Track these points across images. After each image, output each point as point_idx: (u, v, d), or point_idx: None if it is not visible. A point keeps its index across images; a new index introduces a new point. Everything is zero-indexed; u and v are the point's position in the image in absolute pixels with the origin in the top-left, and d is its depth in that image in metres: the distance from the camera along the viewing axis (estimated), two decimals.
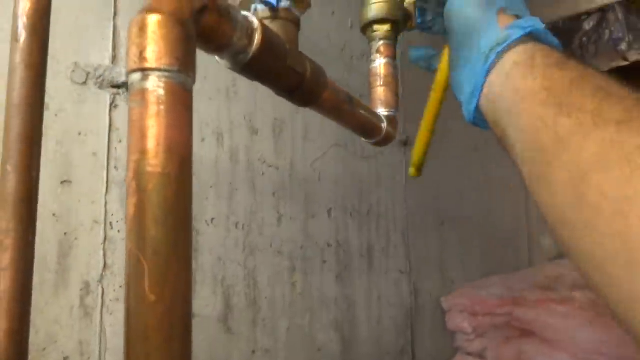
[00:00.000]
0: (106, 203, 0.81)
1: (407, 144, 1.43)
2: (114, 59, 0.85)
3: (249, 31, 0.30)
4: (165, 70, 0.24)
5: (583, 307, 1.19)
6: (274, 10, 0.34)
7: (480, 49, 0.36)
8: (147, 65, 0.24)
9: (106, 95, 0.83)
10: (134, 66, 0.25)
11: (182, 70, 0.25)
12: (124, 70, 0.84)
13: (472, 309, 1.36)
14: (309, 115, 1.16)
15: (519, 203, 1.94)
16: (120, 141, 0.84)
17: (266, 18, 0.34)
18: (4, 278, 0.43)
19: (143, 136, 0.24)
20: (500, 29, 0.35)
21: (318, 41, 1.23)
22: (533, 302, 1.29)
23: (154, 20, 0.24)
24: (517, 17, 0.37)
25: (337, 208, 1.21)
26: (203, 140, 0.97)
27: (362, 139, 0.54)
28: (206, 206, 0.95)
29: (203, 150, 0.96)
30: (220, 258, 0.96)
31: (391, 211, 1.36)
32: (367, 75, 0.58)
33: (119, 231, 0.82)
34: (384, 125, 0.52)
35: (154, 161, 0.24)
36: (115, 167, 0.83)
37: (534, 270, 1.63)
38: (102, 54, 0.83)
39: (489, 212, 1.76)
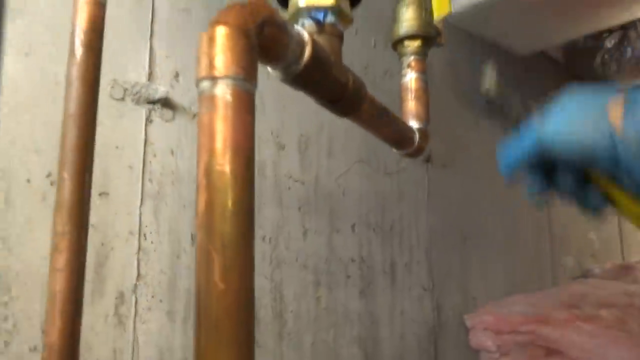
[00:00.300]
0: (140, 214, 0.84)
1: (429, 160, 1.44)
2: (150, 76, 0.88)
3: (301, 44, 0.33)
4: (232, 78, 0.26)
5: (610, 325, 1.17)
6: (320, 25, 0.37)
7: None
8: (216, 73, 0.26)
9: (142, 111, 0.86)
10: (204, 74, 0.27)
11: (247, 79, 0.27)
12: (159, 87, 0.87)
13: (496, 327, 1.35)
14: (334, 131, 1.19)
15: (541, 222, 1.92)
16: (155, 155, 0.87)
17: (313, 32, 0.37)
18: (60, 279, 0.45)
19: (212, 138, 0.26)
20: None
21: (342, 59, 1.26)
22: (558, 320, 1.28)
23: (222, 33, 0.27)
24: None
25: (361, 223, 1.22)
26: None
27: (394, 150, 0.55)
28: None
29: None
30: None
31: (414, 227, 1.37)
32: (393, 95, 0.60)
33: (152, 242, 0.84)
34: (416, 137, 0.54)
35: (222, 160, 0.26)
36: (149, 180, 0.86)
37: (558, 289, 1.61)
38: (138, 72, 0.87)
39: (511, 230, 1.75)
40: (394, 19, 0.59)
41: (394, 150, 0.53)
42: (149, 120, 0.87)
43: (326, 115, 0.58)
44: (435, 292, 1.40)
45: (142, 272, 0.82)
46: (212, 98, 0.26)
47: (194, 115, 0.95)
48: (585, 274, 1.98)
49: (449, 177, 1.52)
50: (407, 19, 0.57)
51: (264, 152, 1.05)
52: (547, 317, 1.32)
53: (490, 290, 1.58)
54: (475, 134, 1.65)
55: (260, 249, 1.01)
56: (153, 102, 0.87)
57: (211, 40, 0.27)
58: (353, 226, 1.21)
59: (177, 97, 0.92)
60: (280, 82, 1.05)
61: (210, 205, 0.25)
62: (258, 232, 1.01)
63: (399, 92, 0.62)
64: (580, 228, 2.16)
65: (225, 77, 0.26)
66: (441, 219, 1.46)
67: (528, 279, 1.77)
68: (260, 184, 1.03)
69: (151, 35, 0.91)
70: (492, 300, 1.52)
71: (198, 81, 0.27)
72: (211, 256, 0.25)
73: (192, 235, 0.91)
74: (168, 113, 0.90)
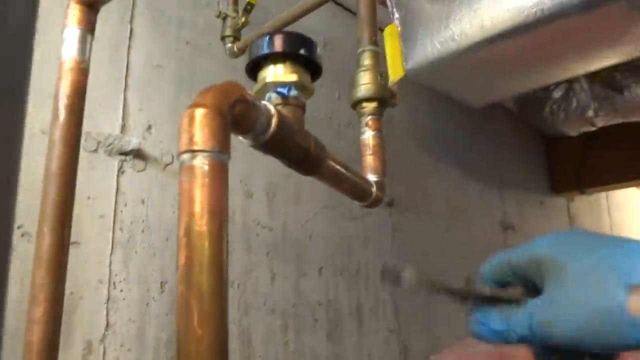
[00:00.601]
0: (110, 263, 0.85)
1: (392, 204, 1.51)
2: (123, 128, 0.92)
3: (268, 117, 0.38)
4: (209, 151, 0.31)
5: None
6: (285, 98, 0.42)
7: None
8: (195, 147, 0.31)
9: (114, 162, 0.89)
10: (184, 148, 0.31)
11: (222, 151, 0.31)
12: (132, 139, 0.91)
13: None
14: (300, 179, 1.24)
15: None
16: (126, 204, 0.90)
17: (278, 104, 0.42)
18: (37, 331, 0.47)
19: (191, 202, 0.30)
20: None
21: (308, 110, 1.32)
22: (519, 357, 1.32)
23: (200, 113, 0.32)
24: None
25: (328, 267, 1.26)
26: None
27: (355, 201, 0.60)
28: None
29: None
30: None
31: (378, 270, 1.41)
32: (357, 143, 0.66)
33: (121, 290, 0.86)
34: (374, 189, 0.59)
35: (201, 222, 0.30)
36: (120, 229, 0.88)
37: None
38: (112, 124, 0.91)
39: (471, 272, 1.81)
40: (352, 83, 0.65)
41: (355, 202, 0.58)
42: (121, 171, 0.90)
43: None
44: (402, 334, 1.43)
45: (111, 320, 0.83)
46: (191, 168, 0.31)
47: (165, 166, 0.98)
48: None
49: (411, 220, 1.58)
50: (364, 83, 0.63)
51: (232, 200, 1.08)
52: (509, 354, 1.37)
53: (453, 329, 1.62)
54: (435, 179, 1.73)
55: (230, 294, 1.02)
56: (125, 153, 0.90)
57: (191, 119, 0.32)
58: (320, 270, 1.24)
59: (149, 148, 0.96)
60: None
61: (190, 260, 0.29)
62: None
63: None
64: None
65: (203, 150, 0.31)
66: (405, 262, 1.51)
67: None
68: (230, 230, 1.06)
69: (125, 89, 0.95)
70: (456, 340, 1.56)
71: (179, 154, 0.31)
72: (190, 305, 0.28)
73: (161, 282, 0.93)
74: (140, 164, 0.94)
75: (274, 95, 0.42)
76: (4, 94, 0.77)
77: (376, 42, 0.68)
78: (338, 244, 1.31)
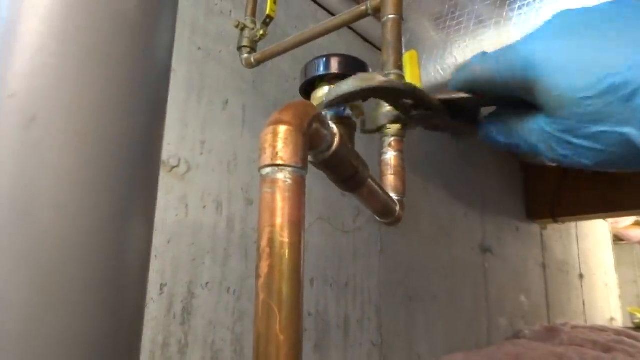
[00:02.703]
0: None
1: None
2: None
3: (332, 136, 0.40)
4: (293, 167, 0.33)
5: None
6: (340, 117, 0.44)
7: None
8: (280, 162, 0.33)
9: None
10: (269, 162, 0.33)
11: (303, 167, 0.34)
12: None
13: None
14: None
15: (478, 286, 2.05)
16: None
17: (335, 123, 0.44)
18: None
19: (273, 214, 0.32)
20: None
21: None
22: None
23: (284, 130, 0.34)
24: None
25: (319, 278, 1.28)
26: (204, 207, 1.03)
27: (378, 219, 0.63)
28: (202, 270, 1.00)
29: (204, 218, 1.03)
30: (211, 322, 1.00)
31: (366, 284, 1.43)
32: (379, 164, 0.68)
33: None
34: (397, 208, 0.62)
35: (283, 233, 0.32)
36: None
37: (494, 349, 1.71)
38: None
39: (452, 291, 1.86)
40: (374, 107, 0.68)
41: (378, 219, 0.60)
42: None
43: None
44: (384, 348, 1.46)
45: None
46: (275, 181, 0.33)
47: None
48: (517, 335, 2.12)
49: (399, 237, 1.61)
50: (388, 106, 0.66)
51: (234, 207, 1.09)
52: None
53: (433, 347, 1.65)
54: (423, 199, 1.78)
55: (225, 300, 1.03)
56: None
57: (275, 135, 0.34)
58: (311, 280, 1.26)
59: None
60: (254, 139, 1.11)
61: (272, 269, 0.31)
62: (223, 284, 1.04)
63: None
64: (513, 291, 2.31)
65: (288, 165, 0.33)
66: (391, 277, 1.54)
67: (467, 338, 1.87)
68: (228, 237, 1.07)
69: None
70: (434, 357, 1.59)
71: (262, 167, 0.33)
72: (273, 312, 0.30)
73: (161, 284, 0.93)
74: None
75: (329, 114, 0.44)
76: None
77: (401, 66, 0.71)
78: (329, 256, 1.33)
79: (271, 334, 0.30)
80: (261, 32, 0.95)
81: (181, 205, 0.99)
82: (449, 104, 0.37)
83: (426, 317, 1.68)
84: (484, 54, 0.33)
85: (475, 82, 0.34)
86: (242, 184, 1.13)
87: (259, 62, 0.94)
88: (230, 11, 1.19)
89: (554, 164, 2.39)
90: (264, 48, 0.94)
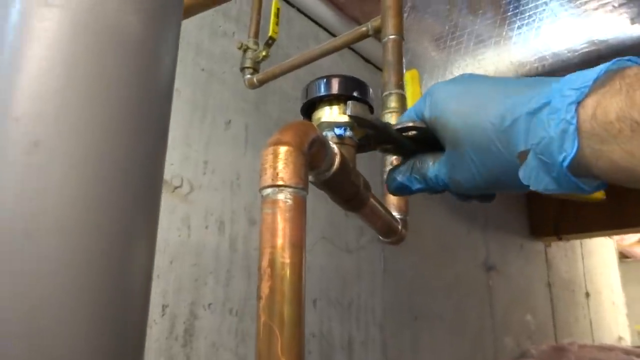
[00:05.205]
0: None
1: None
2: None
3: (332, 156, 0.40)
4: (293, 187, 0.33)
5: None
6: (341, 137, 0.45)
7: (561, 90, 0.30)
8: (280, 183, 0.33)
9: None
10: (270, 183, 0.33)
11: (304, 187, 0.34)
12: None
13: None
14: None
15: (483, 304, 2.03)
16: None
17: (336, 143, 0.44)
18: None
19: (274, 235, 0.32)
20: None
21: None
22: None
23: (284, 150, 0.34)
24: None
25: (322, 298, 1.27)
26: (207, 227, 1.03)
27: (381, 238, 0.62)
28: (205, 291, 0.99)
29: (206, 238, 1.03)
30: (214, 344, 0.99)
31: (370, 304, 1.42)
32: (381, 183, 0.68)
33: None
34: (400, 227, 0.61)
35: (284, 254, 0.32)
36: None
37: None
38: None
39: (458, 310, 1.84)
40: None
41: (381, 238, 0.60)
42: None
43: None
44: None
45: None
46: (275, 202, 0.33)
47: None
48: (524, 355, 2.08)
49: (402, 256, 1.61)
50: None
51: (236, 227, 1.09)
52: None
53: None
54: (426, 217, 1.77)
55: (228, 321, 1.02)
56: None
57: (275, 156, 0.34)
58: (314, 301, 1.25)
59: None
60: (256, 159, 1.12)
61: (273, 290, 0.31)
62: (226, 305, 1.03)
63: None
64: (518, 310, 2.29)
65: (288, 186, 0.33)
66: (395, 297, 1.53)
67: (473, 358, 1.84)
68: (231, 257, 1.06)
69: None
70: None
71: (263, 187, 0.33)
72: (274, 333, 0.30)
73: (162, 306, 0.92)
74: None
75: (329, 134, 0.45)
76: None
77: (402, 86, 0.72)
78: (333, 276, 1.32)
79: (273, 356, 0.30)
80: (263, 53, 0.96)
81: (184, 226, 0.99)
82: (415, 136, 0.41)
83: (431, 337, 1.65)
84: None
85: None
86: (245, 203, 1.13)
87: (261, 83, 0.95)
88: (234, 33, 1.20)
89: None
90: (266, 69, 0.95)
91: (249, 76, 0.96)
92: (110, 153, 0.19)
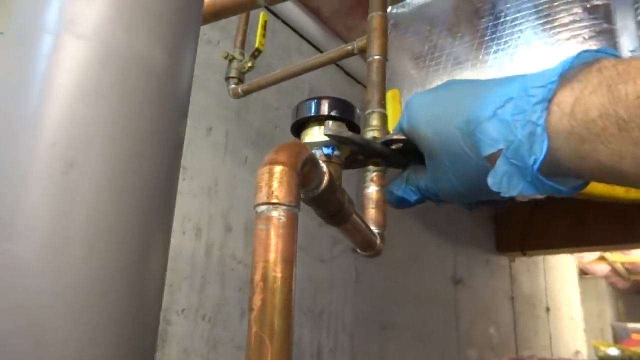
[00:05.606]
0: None
1: (357, 250, 1.55)
2: None
3: (321, 174, 0.42)
4: (287, 205, 0.35)
5: None
6: (329, 156, 0.47)
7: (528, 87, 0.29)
8: (275, 200, 0.35)
9: None
10: (264, 200, 0.35)
11: (297, 205, 0.36)
12: None
13: None
14: None
15: (450, 317, 2.08)
16: None
17: (323, 162, 0.47)
18: None
19: (267, 250, 0.34)
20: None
21: None
22: None
23: (279, 170, 0.36)
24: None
25: (295, 307, 1.28)
26: (184, 233, 1.04)
27: (359, 251, 0.65)
28: (179, 297, 1.00)
29: (183, 243, 1.03)
30: (186, 349, 0.99)
31: (341, 313, 1.44)
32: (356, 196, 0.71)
33: None
34: (378, 241, 0.64)
35: (276, 268, 0.34)
36: None
37: None
38: None
39: (424, 322, 1.88)
40: None
41: (359, 251, 0.62)
42: None
43: None
44: None
45: None
46: (269, 219, 0.35)
47: None
48: None
49: (374, 267, 1.64)
50: None
51: (213, 233, 1.10)
52: None
53: None
54: (398, 229, 1.81)
55: (200, 327, 1.03)
56: None
57: (271, 175, 0.36)
58: None
59: None
60: (235, 166, 1.13)
61: (265, 302, 0.33)
62: (199, 311, 1.04)
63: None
64: (483, 323, 2.35)
65: (282, 204, 0.35)
66: (365, 307, 1.55)
67: None
68: (206, 264, 1.07)
69: None
70: None
71: (257, 204, 0.35)
72: (265, 344, 0.32)
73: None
74: None
75: (317, 153, 0.47)
76: None
77: (384, 105, 0.75)
78: (306, 285, 1.33)
79: None
80: (249, 64, 0.98)
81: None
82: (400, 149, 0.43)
83: (398, 347, 1.69)
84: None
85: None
86: (222, 210, 1.14)
87: (246, 93, 0.96)
88: (219, 41, 1.21)
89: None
90: (250, 79, 0.96)
91: (233, 86, 0.97)
92: (134, 173, 0.21)
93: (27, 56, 0.21)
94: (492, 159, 0.30)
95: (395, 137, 0.43)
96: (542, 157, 0.27)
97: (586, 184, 0.31)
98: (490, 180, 0.30)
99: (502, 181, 0.30)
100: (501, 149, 0.29)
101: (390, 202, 0.45)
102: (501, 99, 0.30)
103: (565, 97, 0.27)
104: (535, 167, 0.28)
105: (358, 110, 0.51)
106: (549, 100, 0.27)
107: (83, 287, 0.18)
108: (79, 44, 0.21)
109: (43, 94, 0.20)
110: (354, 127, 0.52)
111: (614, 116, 0.24)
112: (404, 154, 0.44)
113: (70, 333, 0.18)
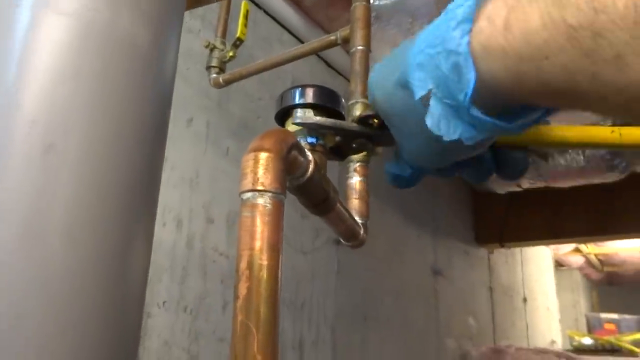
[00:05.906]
0: None
1: (339, 242, 1.56)
2: None
3: (307, 162, 0.42)
4: (273, 192, 0.35)
5: None
6: (313, 145, 0.47)
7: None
8: (260, 187, 0.34)
9: None
10: (249, 187, 0.35)
11: (282, 192, 0.35)
12: None
13: None
14: None
15: (429, 307, 2.11)
16: None
17: (308, 150, 0.46)
18: None
19: (253, 237, 0.34)
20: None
21: None
22: None
23: (265, 157, 0.35)
24: None
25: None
26: (164, 225, 1.02)
27: (343, 241, 0.65)
28: (159, 289, 0.98)
29: (163, 235, 1.01)
30: (167, 342, 0.98)
31: (322, 304, 1.44)
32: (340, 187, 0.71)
33: None
34: (361, 231, 0.64)
35: (262, 255, 0.33)
36: None
37: None
38: None
39: (405, 312, 1.90)
40: None
41: (343, 241, 0.62)
42: None
43: None
44: None
45: None
46: (255, 206, 0.34)
47: None
48: (465, 356, 2.17)
49: (356, 258, 1.64)
50: None
51: (194, 225, 1.09)
52: None
53: None
54: (380, 221, 1.82)
55: (182, 319, 1.02)
56: None
57: (256, 161, 0.35)
58: None
59: None
60: (216, 157, 1.11)
61: (250, 290, 0.32)
62: (180, 303, 1.03)
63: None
64: (461, 313, 2.38)
65: (268, 191, 0.34)
66: (347, 298, 1.56)
67: (417, 358, 1.90)
68: (187, 255, 1.06)
69: None
70: None
71: (242, 191, 0.35)
72: (251, 332, 0.31)
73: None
74: None
75: (302, 142, 0.46)
76: None
77: (367, 96, 0.74)
78: (287, 276, 1.33)
79: (249, 354, 0.31)
80: (230, 53, 0.96)
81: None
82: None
83: (379, 338, 1.70)
84: None
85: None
86: (204, 202, 1.13)
87: (227, 83, 0.95)
88: (199, 30, 1.19)
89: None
90: (231, 69, 0.95)
91: (214, 75, 0.96)
92: (115, 156, 0.20)
93: (3, 32, 0.20)
94: (424, 100, 0.27)
95: (364, 113, 0.43)
96: (470, 90, 0.23)
97: (539, 118, 0.27)
98: (429, 122, 0.27)
99: (440, 124, 0.26)
100: (431, 89, 0.26)
101: (389, 182, 0.42)
102: (428, 32, 0.26)
103: (498, 9, 0.22)
104: (466, 103, 0.24)
105: (343, 100, 0.51)
106: (472, 20, 0.23)
107: (61, 276, 0.18)
108: (59, 20, 0.20)
109: (19, 74, 0.19)
110: (339, 116, 0.51)
111: (561, 24, 0.20)
112: (387, 130, 0.43)
113: (49, 327, 0.17)
